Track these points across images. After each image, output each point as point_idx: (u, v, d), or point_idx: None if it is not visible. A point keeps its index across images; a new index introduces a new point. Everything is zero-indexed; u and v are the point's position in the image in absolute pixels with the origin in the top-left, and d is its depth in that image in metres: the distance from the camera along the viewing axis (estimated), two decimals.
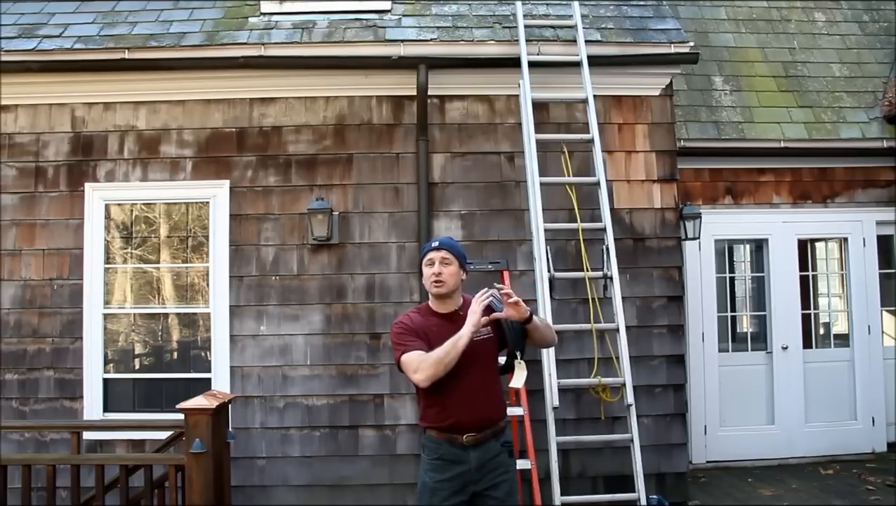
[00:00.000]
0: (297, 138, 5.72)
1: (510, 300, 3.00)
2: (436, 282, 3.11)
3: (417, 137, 5.63)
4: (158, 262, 5.86)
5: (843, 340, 7.27)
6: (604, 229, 5.16)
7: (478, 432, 3.05)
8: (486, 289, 3.05)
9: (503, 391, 3.25)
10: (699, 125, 7.01)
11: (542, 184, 5.17)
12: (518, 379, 3.19)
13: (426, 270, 3.15)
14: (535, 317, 3.12)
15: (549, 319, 4.84)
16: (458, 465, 3.05)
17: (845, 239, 7.23)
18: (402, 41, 5.55)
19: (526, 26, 5.60)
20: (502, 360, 3.28)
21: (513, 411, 5.07)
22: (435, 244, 3.19)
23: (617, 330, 4.98)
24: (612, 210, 5.40)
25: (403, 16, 5.90)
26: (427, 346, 3.03)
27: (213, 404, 4.36)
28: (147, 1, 6.06)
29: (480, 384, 3.07)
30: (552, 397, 4.73)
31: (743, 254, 7.54)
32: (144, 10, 5.96)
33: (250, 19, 5.85)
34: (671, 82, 5.85)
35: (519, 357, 3.16)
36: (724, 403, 6.91)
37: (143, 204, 5.88)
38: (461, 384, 3.02)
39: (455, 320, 3.11)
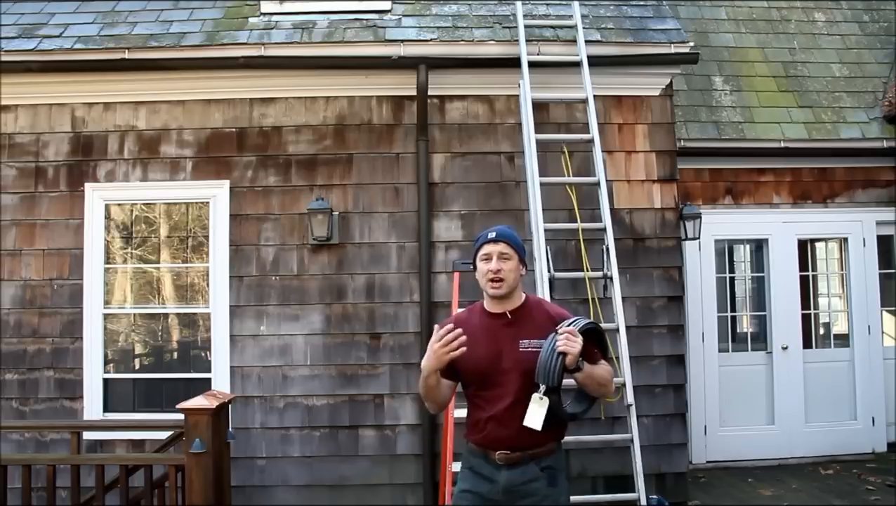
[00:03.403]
0: (297, 138, 5.73)
1: (560, 341, 2.55)
2: (493, 281, 2.70)
3: (417, 137, 5.63)
4: (158, 262, 5.86)
5: (843, 340, 7.27)
6: (604, 229, 5.15)
7: (511, 451, 2.67)
8: (578, 319, 2.67)
9: (556, 414, 2.69)
10: (699, 125, 7.02)
11: (542, 184, 5.17)
12: (533, 416, 2.63)
13: (481, 266, 2.74)
14: (585, 369, 2.63)
15: None
16: (487, 482, 2.70)
17: (845, 239, 7.23)
18: (402, 41, 5.55)
19: (526, 26, 5.60)
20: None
21: None
22: (492, 235, 2.76)
23: (617, 330, 4.97)
24: (612, 210, 5.40)
25: (403, 16, 5.90)
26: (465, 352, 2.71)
27: (213, 404, 4.35)
28: (147, 1, 6.06)
29: (519, 400, 2.64)
30: None
31: (743, 254, 7.54)
32: (144, 10, 5.96)
33: (250, 19, 5.85)
34: (671, 82, 5.85)
35: (542, 391, 2.59)
36: (724, 403, 6.91)
37: (143, 204, 5.88)
38: (496, 396, 2.69)
39: (505, 323, 2.73)
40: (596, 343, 2.75)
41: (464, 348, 2.57)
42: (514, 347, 2.68)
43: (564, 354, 2.53)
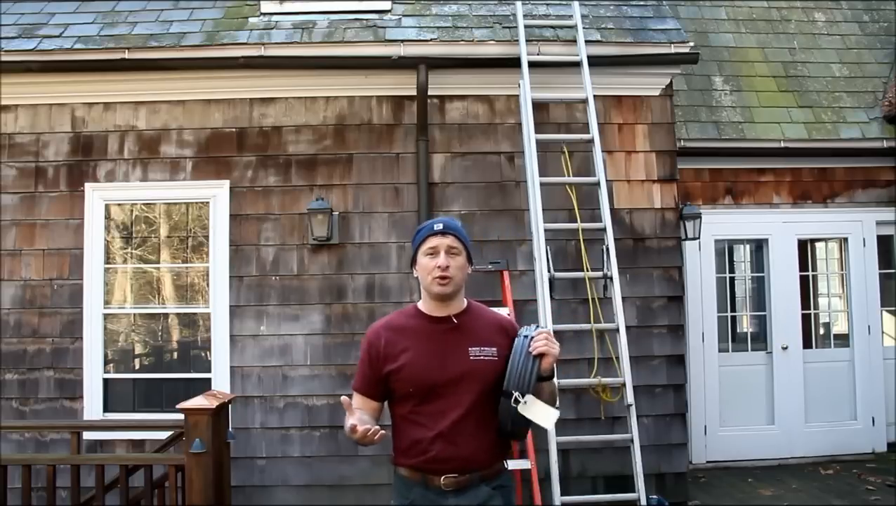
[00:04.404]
0: (297, 138, 5.72)
1: (539, 342, 2.31)
2: (441, 278, 2.35)
3: (417, 137, 5.63)
4: (158, 262, 5.86)
5: (843, 340, 7.28)
6: (604, 229, 5.16)
7: (460, 474, 2.32)
8: (534, 326, 2.43)
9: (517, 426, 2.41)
10: (699, 125, 7.02)
11: (542, 184, 5.17)
12: (544, 415, 2.33)
13: (426, 261, 2.38)
14: (554, 381, 2.40)
15: (549, 320, 4.83)
16: None
17: (845, 239, 7.23)
18: (402, 41, 5.55)
19: (526, 26, 5.60)
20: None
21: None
22: (439, 227, 2.40)
23: (617, 330, 4.98)
24: (612, 210, 5.40)
25: (403, 16, 5.90)
26: (391, 363, 2.37)
27: (213, 404, 4.35)
28: (147, 1, 6.06)
29: (470, 414, 2.32)
30: None
31: (743, 254, 7.54)
32: (144, 10, 5.96)
33: (250, 19, 5.85)
34: (671, 82, 5.85)
35: (519, 398, 2.30)
36: (724, 403, 6.91)
37: (143, 204, 5.88)
38: (443, 411, 2.33)
39: (451, 328, 2.40)
40: None
41: (383, 433, 2.21)
42: (462, 355, 2.35)
43: (542, 356, 2.30)
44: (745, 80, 7.42)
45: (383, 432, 2.22)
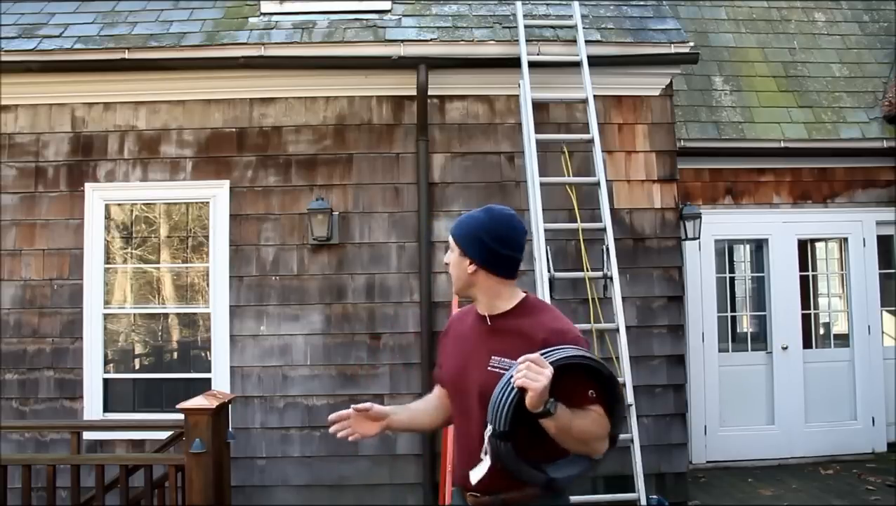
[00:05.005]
0: (297, 138, 5.73)
1: (519, 375, 1.85)
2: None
3: (417, 137, 5.63)
4: (158, 262, 5.86)
5: (843, 340, 7.27)
6: (604, 229, 5.16)
7: (481, 494, 2.12)
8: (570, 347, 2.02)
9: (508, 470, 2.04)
10: (699, 125, 7.02)
11: (542, 184, 5.17)
12: (478, 467, 2.03)
13: None
14: (559, 414, 1.89)
15: None
16: None
17: (845, 239, 7.23)
18: (402, 41, 5.55)
19: (526, 26, 5.60)
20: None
21: None
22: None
23: (617, 330, 4.98)
24: (612, 210, 5.39)
25: (403, 16, 5.90)
26: (443, 356, 2.35)
27: (213, 404, 4.35)
28: (147, 1, 6.06)
29: (484, 432, 2.00)
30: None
31: (743, 254, 7.54)
32: (144, 10, 5.96)
33: (250, 19, 5.85)
34: (671, 82, 5.85)
35: (489, 433, 1.96)
36: (724, 403, 6.91)
37: (143, 204, 5.88)
38: (466, 421, 2.16)
39: (487, 330, 2.16)
40: (595, 383, 2.02)
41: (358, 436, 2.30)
42: (483, 363, 2.08)
43: (524, 390, 1.85)
44: (745, 80, 7.42)
45: (346, 435, 2.44)
